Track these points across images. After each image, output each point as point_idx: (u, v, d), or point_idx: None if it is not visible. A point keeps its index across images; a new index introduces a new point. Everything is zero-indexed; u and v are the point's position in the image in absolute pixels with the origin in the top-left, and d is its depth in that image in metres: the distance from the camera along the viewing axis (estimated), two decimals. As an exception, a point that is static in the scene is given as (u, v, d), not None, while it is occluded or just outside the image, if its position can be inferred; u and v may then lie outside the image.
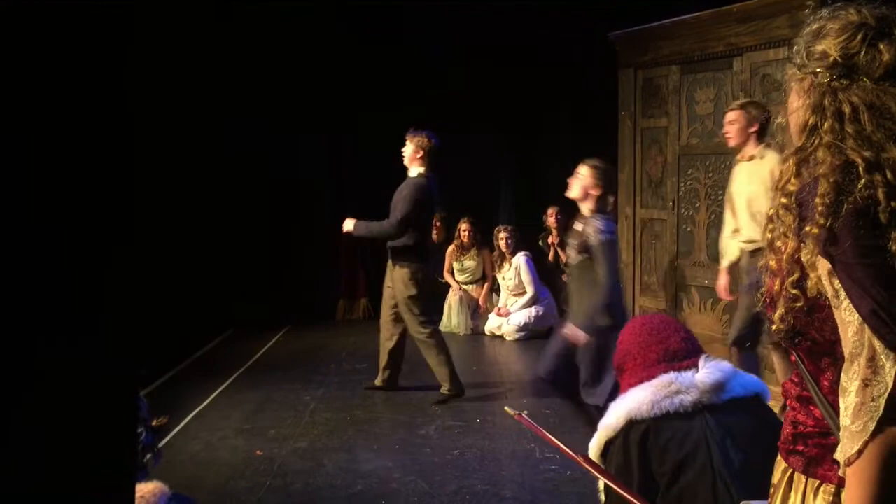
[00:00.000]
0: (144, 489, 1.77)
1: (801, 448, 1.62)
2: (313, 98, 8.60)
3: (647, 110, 6.46)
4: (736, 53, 5.65)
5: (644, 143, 6.51)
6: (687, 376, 2.38)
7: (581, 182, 4.58)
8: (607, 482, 2.28)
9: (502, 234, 8.27)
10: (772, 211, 1.56)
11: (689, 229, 6.11)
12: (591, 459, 2.38)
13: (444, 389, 5.86)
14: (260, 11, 7.71)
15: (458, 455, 4.81)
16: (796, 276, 1.50)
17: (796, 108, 1.56)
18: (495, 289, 8.49)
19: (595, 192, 4.56)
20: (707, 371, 2.40)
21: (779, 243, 1.55)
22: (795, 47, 1.56)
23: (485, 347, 7.86)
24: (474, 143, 8.81)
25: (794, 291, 1.51)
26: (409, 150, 5.85)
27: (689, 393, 2.34)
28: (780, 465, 1.69)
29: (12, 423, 0.96)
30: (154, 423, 1.97)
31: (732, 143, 4.95)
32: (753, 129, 4.85)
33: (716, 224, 5.87)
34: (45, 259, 1.04)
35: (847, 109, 1.45)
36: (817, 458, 1.58)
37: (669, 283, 6.26)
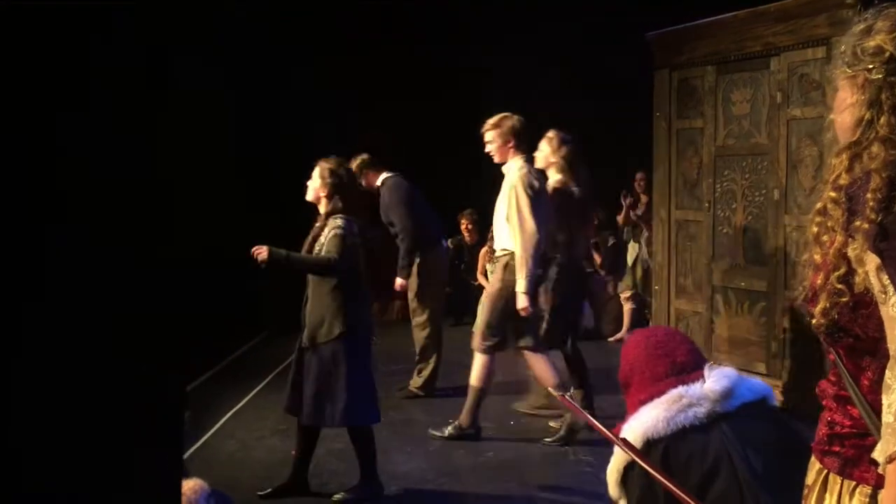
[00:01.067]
0: (185, 486, 1.80)
1: (837, 449, 1.60)
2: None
3: (682, 111, 6.41)
4: (773, 53, 5.59)
5: (679, 144, 6.45)
6: (695, 388, 2.33)
7: (312, 184, 4.44)
8: (650, 471, 2.23)
9: None
10: (820, 205, 1.56)
11: (725, 231, 6.05)
12: (631, 444, 2.34)
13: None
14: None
15: (492, 457, 4.81)
16: (842, 270, 1.49)
17: (849, 105, 1.55)
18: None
19: (323, 194, 4.38)
20: (714, 379, 2.35)
21: (825, 237, 1.54)
22: (842, 46, 1.56)
23: (519, 349, 7.83)
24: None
25: (839, 286, 1.49)
26: None
27: (701, 405, 2.30)
28: (815, 465, 1.67)
29: (66, 418, 0.99)
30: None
31: (497, 161, 4.93)
32: (510, 143, 4.80)
33: (752, 226, 5.81)
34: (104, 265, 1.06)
35: None
36: (854, 459, 1.56)
37: (705, 285, 6.20)
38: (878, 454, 1.41)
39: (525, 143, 5.13)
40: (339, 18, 8.17)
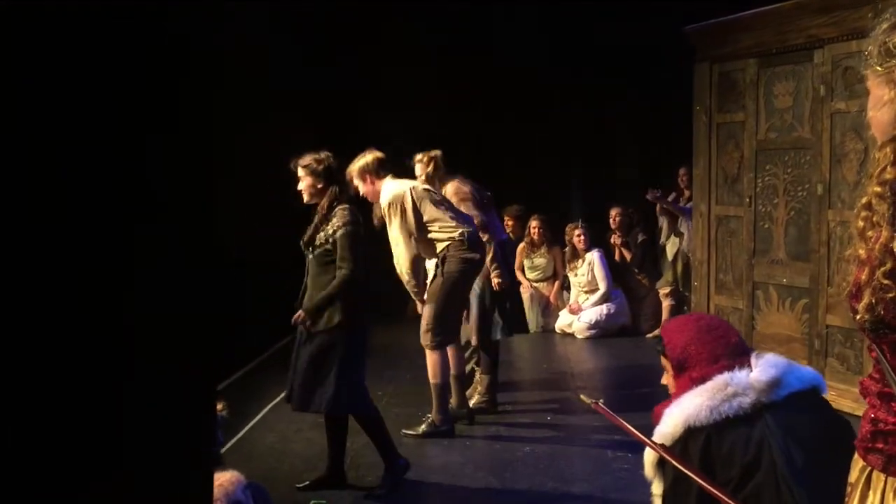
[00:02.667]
0: (222, 477, 1.83)
1: (880, 446, 1.58)
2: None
3: (722, 105, 6.33)
4: (817, 45, 5.49)
5: (720, 138, 6.38)
6: (742, 376, 2.31)
7: (303, 185, 4.41)
8: (691, 475, 2.22)
9: (577, 231, 8.22)
10: (865, 199, 1.54)
11: (766, 226, 5.96)
12: (668, 449, 2.32)
13: None
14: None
15: (529, 452, 4.81)
16: (888, 266, 1.48)
17: (886, 102, 1.54)
18: (566, 286, 8.44)
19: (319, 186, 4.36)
20: (761, 369, 2.33)
21: (870, 232, 1.52)
22: (869, 46, 1.56)
23: (555, 345, 7.83)
24: (545, 141, 8.78)
25: (885, 281, 1.48)
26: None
27: (746, 394, 2.28)
28: (858, 463, 1.65)
29: (99, 407, 1.01)
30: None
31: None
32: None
33: (795, 221, 5.72)
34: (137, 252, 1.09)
35: None
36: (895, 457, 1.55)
37: (746, 281, 6.12)
38: None
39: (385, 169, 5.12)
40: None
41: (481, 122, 8.93)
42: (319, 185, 4.36)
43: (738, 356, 2.40)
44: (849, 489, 1.67)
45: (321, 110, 8.09)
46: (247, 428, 5.24)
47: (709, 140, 6.44)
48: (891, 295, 1.47)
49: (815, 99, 5.53)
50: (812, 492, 2.17)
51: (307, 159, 4.37)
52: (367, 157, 5.01)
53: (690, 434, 2.27)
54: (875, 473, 1.59)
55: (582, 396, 2.82)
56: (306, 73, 7.98)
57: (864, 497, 1.61)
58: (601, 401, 2.66)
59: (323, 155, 4.38)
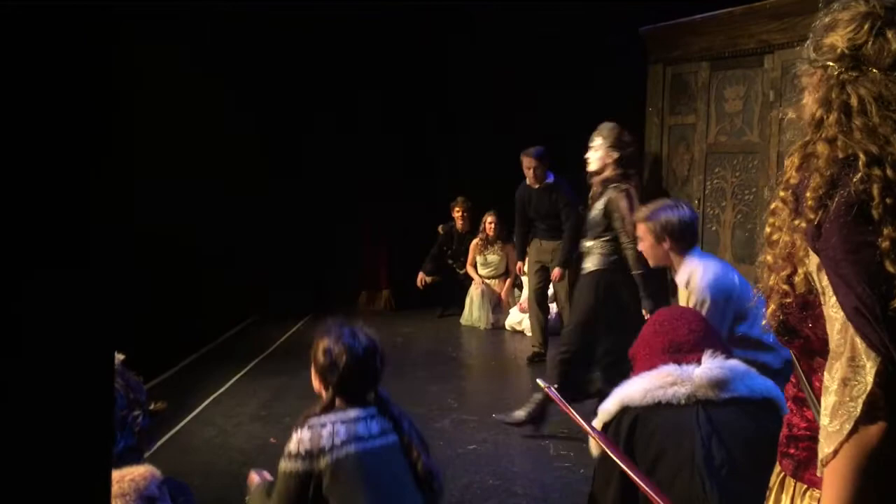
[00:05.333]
0: (135, 472, 1.77)
1: (792, 451, 1.60)
2: (339, 96, 8.62)
3: (675, 107, 6.37)
4: (767, 51, 5.55)
5: (671, 140, 6.42)
6: (687, 369, 2.38)
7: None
8: (616, 459, 2.25)
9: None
10: (772, 205, 1.55)
11: (713, 228, 6.02)
12: (603, 434, 2.40)
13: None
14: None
15: (472, 450, 4.78)
16: (788, 271, 1.49)
17: (805, 103, 1.54)
18: (518, 284, 8.44)
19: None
20: (708, 366, 2.38)
21: (775, 237, 1.53)
22: (807, 42, 1.54)
23: (505, 342, 7.82)
24: (501, 140, 8.76)
25: (784, 287, 1.49)
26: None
27: (684, 385, 2.34)
28: (776, 468, 1.66)
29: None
30: (152, 407, 1.97)
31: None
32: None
33: (741, 224, 5.78)
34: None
35: (854, 102, 1.42)
36: (805, 462, 1.56)
37: (693, 282, 6.16)
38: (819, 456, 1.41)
39: None
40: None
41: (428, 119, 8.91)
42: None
43: (681, 353, 2.45)
44: (767, 493, 1.67)
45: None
46: (184, 422, 5.12)
47: (660, 141, 6.48)
48: (789, 300, 1.48)
49: (764, 104, 5.59)
50: (725, 491, 2.20)
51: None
52: None
53: (624, 413, 2.37)
54: (787, 478, 1.60)
55: (539, 381, 2.91)
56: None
57: (777, 501, 1.63)
58: (555, 386, 2.76)
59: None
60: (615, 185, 4.89)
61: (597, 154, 4.92)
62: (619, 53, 7.02)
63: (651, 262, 3.74)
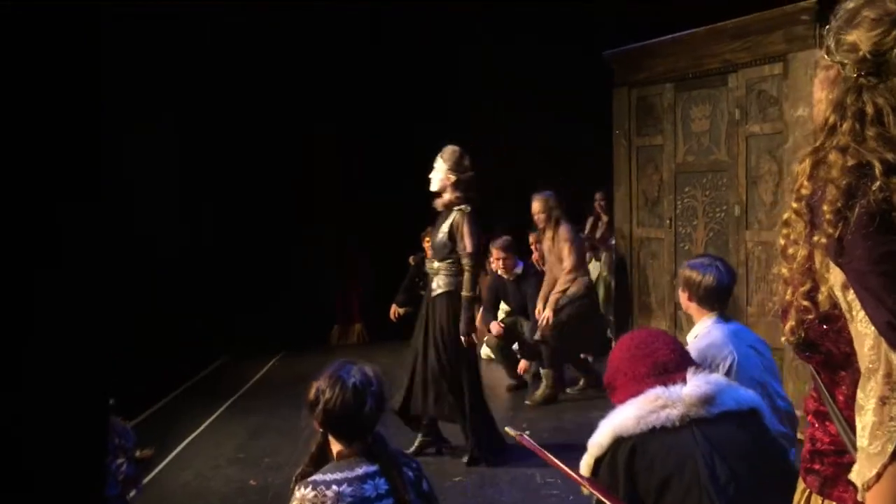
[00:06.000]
0: None
1: (817, 467, 1.53)
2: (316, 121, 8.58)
3: (641, 129, 6.42)
4: (731, 70, 5.62)
5: (639, 161, 6.46)
6: (675, 390, 2.32)
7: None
8: (604, 499, 2.19)
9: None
10: (785, 215, 1.48)
11: (686, 247, 6.04)
12: (594, 481, 2.29)
13: None
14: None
15: (458, 482, 4.70)
16: (807, 286, 1.41)
17: (818, 101, 1.47)
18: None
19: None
20: (695, 384, 2.33)
21: (791, 251, 1.46)
22: (828, 26, 1.45)
23: (482, 371, 7.72)
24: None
25: (804, 303, 1.42)
26: None
27: (675, 407, 2.28)
28: (800, 484, 1.60)
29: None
30: (138, 454, 1.87)
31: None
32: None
33: (714, 242, 5.81)
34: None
35: (870, 110, 1.35)
36: (832, 479, 1.49)
37: (668, 302, 6.17)
38: (856, 477, 1.34)
39: None
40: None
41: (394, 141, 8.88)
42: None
43: (668, 373, 2.39)
44: None
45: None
46: (160, 466, 4.97)
47: (629, 163, 6.52)
48: (811, 316, 1.41)
49: (730, 122, 5.65)
50: None
51: None
52: None
53: (619, 444, 2.28)
54: (814, 496, 1.54)
55: (507, 429, 2.78)
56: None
57: None
58: (526, 433, 2.65)
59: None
60: (458, 207, 4.92)
61: (437, 175, 4.97)
62: (583, 78, 7.08)
63: (682, 306, 3.71)
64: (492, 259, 7.32)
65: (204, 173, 7.84)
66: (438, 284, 5.02)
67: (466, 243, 4.85)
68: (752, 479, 2.23)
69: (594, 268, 7.91)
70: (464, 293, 4.90)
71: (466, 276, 4.88)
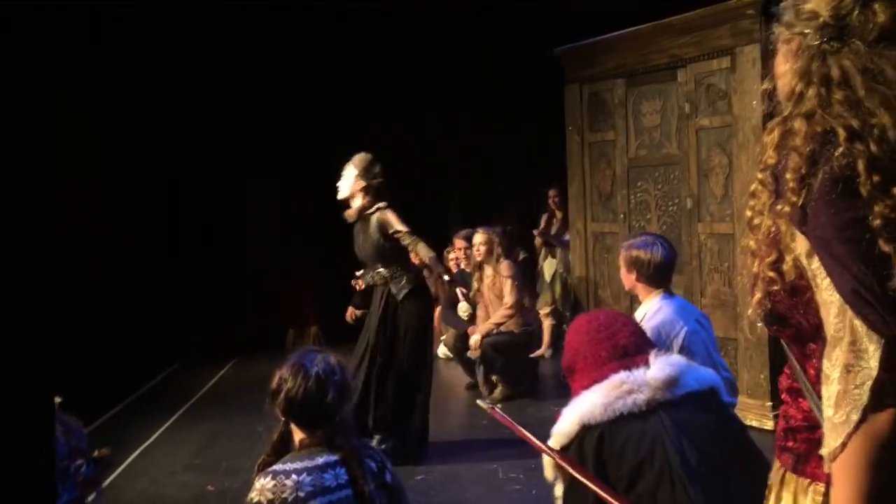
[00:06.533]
0: None
1: (790, 444, 1.52)
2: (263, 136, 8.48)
3: (593, 124, 6.46)
4: (680, 65, 5.69)
5: (592, 157, 6.50)
6: (639, 374, 2.29)
7: None
8: (582, 479, 2.17)
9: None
10: (752, 187, 1.46)
11: (646, 232, 6.08)
12: (564, 455, 2.26)
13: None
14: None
15: (421, 480, 4.66)
16: (773, 257, 1.41)
17: (783, 73, 1.46)
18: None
19: None
20: (659, 366, 2.31)
21: (756, 221, 1.45)
22: (784, 2, 1.46)
23: (440, 370, 7.69)
24: (420, 166, 8.74)
25: (770, 274, 1.41)
26: None
27: (641, 391, 2.25)
28: (775, 463, 1.58)
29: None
30: (95, 454, 1.80)
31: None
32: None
33: (667, 234, 5.82)
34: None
35: (836, 74, 1.35)
36: (805, 455, 1.48)
37: (624, 296, 6.21)
38: (824, 450, 1.32)
39: None
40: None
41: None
42: None
43: (629, 356, 2.36)
44: (767, 491, 1.60)
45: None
46: (114, 475, 4.84)
47: (582, 159, 6.56)
48: (776, 287, 1.40)
49: (680, 116, 5.72)
50: (707, 491, 2.14)
51: None
52: None
53: (586, 432, 2.24)
54: (787, 473, 1.52)
55: (479, 402, 2.73)
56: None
57: (778, 498, 1.54)
58: (498, 406, 2.59)
59: None
60: (375, 207, 4.90)
61: (347, 182, 4.95)
62: (534, 74, 7.11)
63: (625, 287, 3.74)
64: (454, 251, 7.28)
65: (160, 178, 7.70)
66: (399, 287, 4.96)
67: (400, 227, 4.81)
68: (719, 459, 2.23)
69: (549, 265, 7.95)
70: (426, 256, 4.85)
71: (419, 245, 4.81)
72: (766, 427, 4.87)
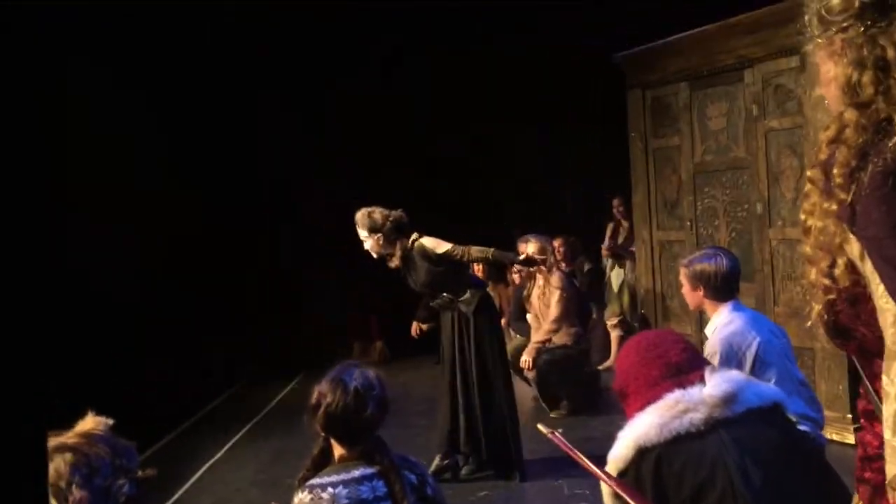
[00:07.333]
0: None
1: (867, 475, 1.38)
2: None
3: (657, 130, 6.31)
4: (747, 65, 5.50)
5: (657, 163, 6.34)
6: (694, 392, 2.16)
7: None
8: (630, 501, 2.06)
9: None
10: (806, 187, 1.35)
11: (706, 246, 5.90)
12: (625, 484, 2.15)
13: None
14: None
15: (484, 496, 4.57)
16: (826, 262, 1.28)
17: (833, 76, 1.34)
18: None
19: None
20: (715, 383, 2.18)
21: (808, 223, 1.33)
22: (806, 17, 1.38)
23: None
24: (478, 176, 8.70)
25: (825, 281, 1.29)
26: None
27: (698, 410, 2.12)
28: (855, 497, 1.45)
29: None
30: (140, 474, 1.79)
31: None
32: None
33: (737, 242, 5.67)
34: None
35: (892, 53, 1.23)
36: (883, 486, 1.31)
37: (693, 305, 6.03)
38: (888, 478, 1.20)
39: None
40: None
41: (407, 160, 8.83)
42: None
43: (683, 374, 2.24)
44: None
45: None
46: (181, 491, 4.88)
47: (646, 166, 6.40)
48: (832, 296, 1.28)
49: (748, 118, 5.53)
50: None
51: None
52: None
53: (643, 455, 2.12)
54: None
55: (539, 426, 2.64)
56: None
57: None
58: (559, 431, 2.49)
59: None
60: (411, 243, 4.77)
61: (368, 244, 4.83)
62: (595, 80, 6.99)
63: (690, 306, 3.63)
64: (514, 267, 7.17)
65: (231, 194, 7.80)
66: (467, 303, 4.88)
67: (444, 247, 4.70)
68: (786, 479, 2.10)
69: (617, 275, 7.78)
70: (486, 253, 4.75)
71: (472, 251, 4.70)
72: (847, 441, 4.63)
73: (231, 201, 8.37)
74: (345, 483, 2.23)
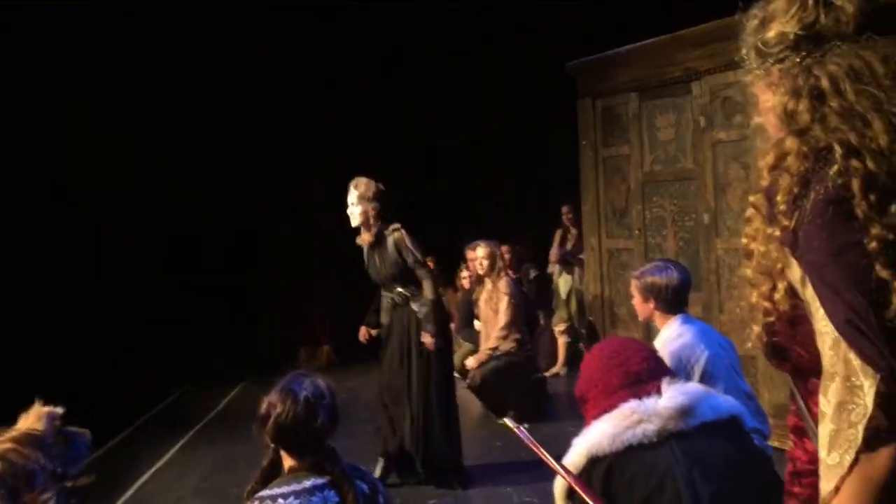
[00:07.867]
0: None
1: (796, 490, 1.41)
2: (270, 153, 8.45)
3: (607, 139, 6.37)
4: (695, 77, 5.59)
5: (606, 172, 6.40)
6: (650, 403, 2.17)
7: None
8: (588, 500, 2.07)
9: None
10: (747, 212, 1.38)
11: (657, 257, 5.96)
12: (582, 481, 2.15)
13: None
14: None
15: (435, 503, 4.54)
16: (767, 286, 1.31)
17: (771, 106, 1.37)
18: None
19: None
20: (671, 395, 2.19)
21: (751, 247, 1.36)
22: (743, 50, 1.40)
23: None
24: (435, 185, 8.68)
25: (765, 304, 1.32)
26: None
27: (651, 421, 2.13)
28: None
29: None
30: (70, 485, 1.72)
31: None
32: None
33: (685, 251, 5.75)
34: None
35: (825, 83, 1.26)
36: (811, 501, 1.35)
37: (640, 313, 6.10)
38: (821, 495, 1.21)
39: None
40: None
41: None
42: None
43: (641, 383, 2.25)
44: None
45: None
46: (122, 500, 4.75)
47: (596, 174, 6.46)
48: (771, 319, 1.32)
49: (696, 130, 5.61)
50: None
51: None
52: None
53: (594, 463, 2.14)
54: None
55: (506, 420, 2.63)
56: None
57: None
58: (525, 426, 2.50)
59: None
60: (392, 229, 4.84)
61: (357, 209, 4.85)
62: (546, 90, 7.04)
63: (640, 317, 3.64)
64: (466, 266, 7.15)
65: (173, 191, 7.66)
66: (421, 304, 4.87)
67: (416, 254, 4.79)
68: (738, 494, 2.11)
69: (565, 281, 7.83)
70: (429, 296, 4.82)
71: (427, 282, 4.82)
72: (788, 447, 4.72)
73: (231, 201, 8.27)
74: (296, 494, 2.19)
